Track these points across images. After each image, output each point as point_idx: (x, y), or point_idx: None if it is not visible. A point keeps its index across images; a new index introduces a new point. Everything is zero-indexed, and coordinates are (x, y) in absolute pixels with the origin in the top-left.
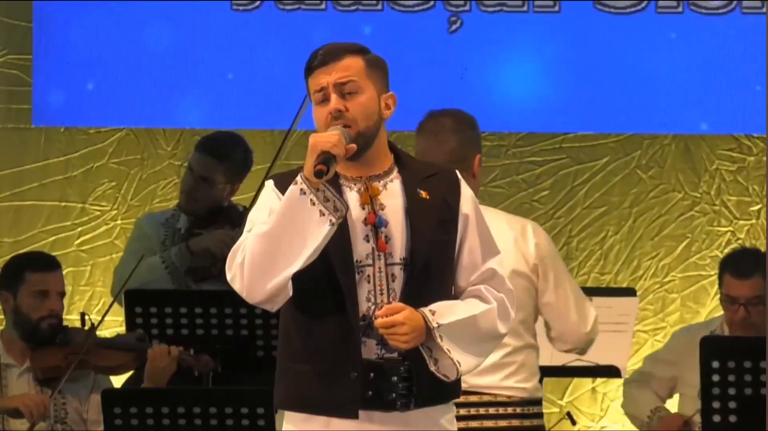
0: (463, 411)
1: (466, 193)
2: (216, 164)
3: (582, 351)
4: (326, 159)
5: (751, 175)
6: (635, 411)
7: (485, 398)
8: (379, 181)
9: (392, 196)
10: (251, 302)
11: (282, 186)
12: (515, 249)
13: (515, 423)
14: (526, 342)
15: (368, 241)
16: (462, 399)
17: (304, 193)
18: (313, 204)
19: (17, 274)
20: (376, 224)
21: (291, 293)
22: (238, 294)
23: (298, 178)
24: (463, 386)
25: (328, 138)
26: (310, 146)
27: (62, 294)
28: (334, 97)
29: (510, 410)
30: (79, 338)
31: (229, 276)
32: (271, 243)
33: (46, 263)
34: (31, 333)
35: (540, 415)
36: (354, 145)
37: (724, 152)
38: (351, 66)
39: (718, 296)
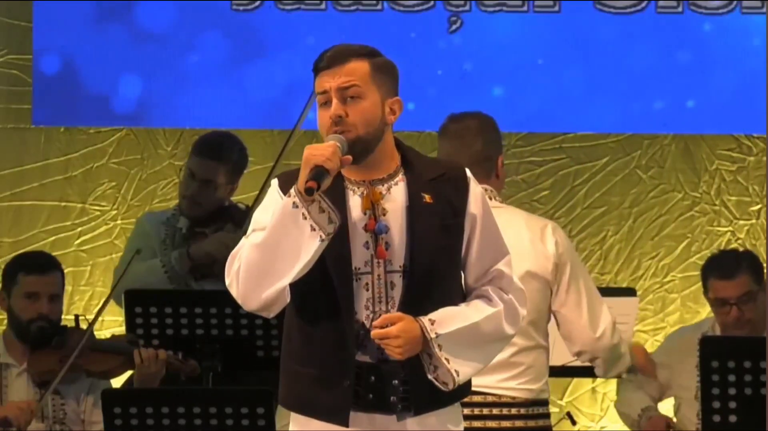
0: (466, 411)
1: (476, 191)
2: (216, 165)
3: (595, 357)
4: (318, 174)
5: (751, 175)
6: (627, 410)
7: (489, 398)
8: (383, 185)
9: (395, 199)
10: (247, 310)
11: (286, 186)
12: (532, 249)
13: (519, 424)
14: (536, 343)
15: (368, 248)
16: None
17: (297, 206)
18: (305, 218)
19: (12, 276)
20: (376, 231)
21: (288, 300)
22: None
23: (292, 190)
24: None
25: (322, 151)
26: (304, 159)
27: (56, 296)
28: (335, 101)
29: (514, 411)
30: (76, 340)
31: (227, 282)
32: (264, 255)
33: (39, 265)
34: (23, 335)
35: (546, 416)
36: (349, 157)
37: (724, 152)
38: (355, 70)
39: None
